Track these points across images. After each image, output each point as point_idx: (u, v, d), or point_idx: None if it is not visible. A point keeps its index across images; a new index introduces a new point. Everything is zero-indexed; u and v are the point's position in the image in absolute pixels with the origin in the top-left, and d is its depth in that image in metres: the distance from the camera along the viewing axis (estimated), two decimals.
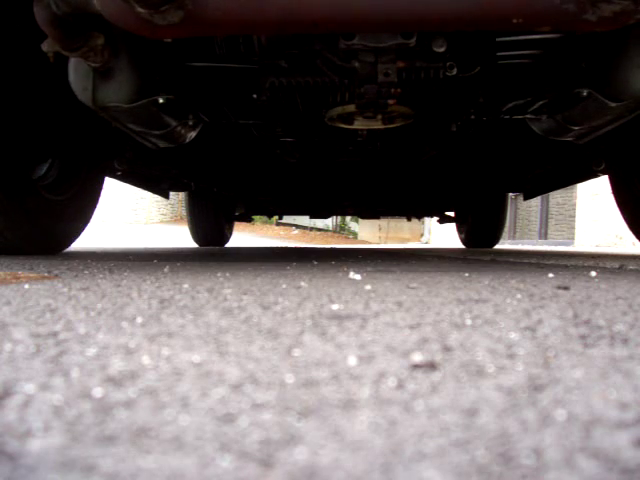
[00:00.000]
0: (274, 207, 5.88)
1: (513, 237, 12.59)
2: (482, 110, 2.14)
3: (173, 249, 4.44)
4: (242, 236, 14.20)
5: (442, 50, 1.64)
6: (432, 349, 0.53)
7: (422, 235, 17.32)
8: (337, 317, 0.71)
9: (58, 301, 0.85)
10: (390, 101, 1.89)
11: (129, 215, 19.59)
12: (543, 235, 11.58)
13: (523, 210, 12.51)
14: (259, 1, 1.22)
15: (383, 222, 20.71)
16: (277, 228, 23.79)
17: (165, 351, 0.52)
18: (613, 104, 1.64)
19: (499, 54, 1.83)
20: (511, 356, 0.50)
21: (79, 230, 2.92)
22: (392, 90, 1.80)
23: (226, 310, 0.77)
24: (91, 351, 0.51)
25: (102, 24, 1.42)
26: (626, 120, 1.77)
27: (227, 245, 6.42)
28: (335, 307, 0.80)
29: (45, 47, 1.51)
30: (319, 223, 24.55)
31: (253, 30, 1.43)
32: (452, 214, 6.35)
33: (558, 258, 2.93)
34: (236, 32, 1.35)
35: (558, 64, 1.83)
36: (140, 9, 1.20)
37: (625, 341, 0.57)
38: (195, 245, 6.05)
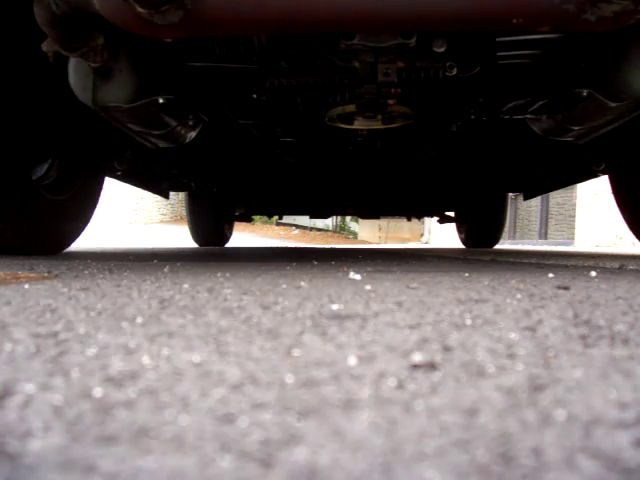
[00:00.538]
0: (274, 207, 5.88)
1: (513, 237, 12.59)
2: (482, 110, 2.14)
3: (173, 249, 4.44)
4: (242, 236, 14.21)
5: (442, 50, 1.64)
6: (432, 349, 0.53)
7: (422, 235, 17.32)
8: (337, 317, 0.71)
9: (58, 301, 0.85)
10: (390, 101, 1.89)
11: (129, 215, 19.59)
12: (543, 235, 11.58)
13: (523, 210, 12.51)
14: (258, 1, 1.22)
15: (383, 222, 20.71)
16: (277, 228, 23.79)
17: (165, 351, 0.52)
18: (613, 104, 1.64)
19: (499, 54, 1.83)
20: (511, 356, 0.50)
21: (79, 230, 2.92)
22: (392, 90, 1.80)
23: (226, 310, 0.77)
24: (91, 351, 0.51)
25: (102, 24, 1.42)
26: (626, 120, 1.77)
27: (227, 245, 6.42)
28: (335, 307, 0.80)
29: (45, 47, 1.51)
30: (319, 223, 24.55)
31: (252, 30, 1.43)
32: (452, 214, 6.35)
33: (558, 258, 2.93)
34: (236, 32, 1.35)
35: (558, 64, 1.83)
36: (140, 9, 1.20)
37: (625, 341, 0.57)
38: (195, 245, 6.04)
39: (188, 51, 1.86)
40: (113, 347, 0.53)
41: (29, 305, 0.80)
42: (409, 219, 6.66)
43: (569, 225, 10.57)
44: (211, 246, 5.91)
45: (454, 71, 1.75)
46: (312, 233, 24.09)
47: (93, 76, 1.65)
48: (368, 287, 1.08)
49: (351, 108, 2.01)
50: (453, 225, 6.81)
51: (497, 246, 6.51)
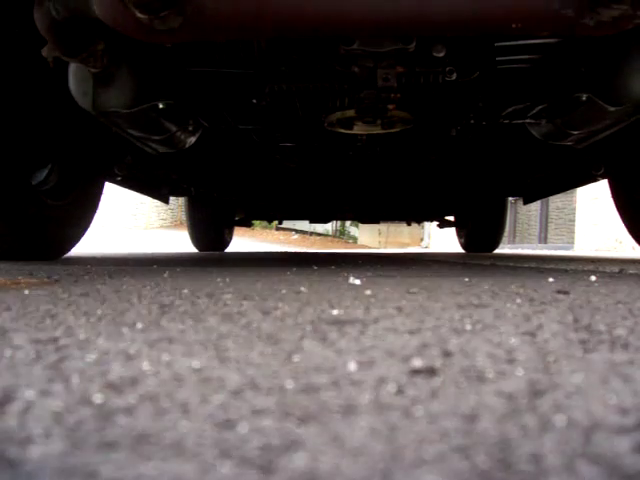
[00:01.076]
0: (274, 212, 5.89)
1: (513, 241, 12.58)
2: (481, 115, 2.15)
3: (173, 254, 4.43)
4: (242, 241, 14.19)
5: (441, 55, 1.65)
6: (432, 354, 0.53)
7: (422, 240, 17.33)
8: (337, 322, 0.71)
9: (58, 307, 0.85)
10: (389, 106, 1.90)
11: (129, 220, 19.58)
12: (543, 239, 11.58)
13: (523, 214, 12.51)
14: (258, 6, 1.23)
15: (383, 227, 20.72)
16: (277, 233, 23.77)
17: (165, 357, 0.51)
18: (612, 108, 1.65)
19: (498, 59, 1.83)
20: (511, 361, 0.50)
21: (79, 235, 2.92)
22: (391, 95, 1.80)
23: (226, 316, 0.77)
24: (91, 357, 0.51)
25: (102, 30, 1.43)
26: (625, 124, 1.77)
27: (227, 250, 6.41)
28: (335, 312, 0.80)
29: (45, 52, 1.52)
30: (319, 228, 24.54)
31: (252, 35, 1.43)
32: (452, 219, 6.36)
33: (558, 262, 2.93)
34: (235, 37, 1.36)
35: (557, 69, 1.84)
36: (140, 14, 1.20)
37: (625, 346, 0.57)
38: (195, 250, 6.04)
39: (188, 56, 1.87)
40: (113, 353, 0.53)
41: (29, 311, 0.80)
42: (409, 224, 6.68)
43: (569, 229, 10.57)
44: (211, 251, 5.91)
45: (453, 76, 1.76)
46: (312, 238, 24.07)
47: (93, 81, 1.65)
48: (368, 292, 1.08)
49: (351, 113, 2.01)
50: (453, 230, 6.81)
51: (497, 250, 6.51)
